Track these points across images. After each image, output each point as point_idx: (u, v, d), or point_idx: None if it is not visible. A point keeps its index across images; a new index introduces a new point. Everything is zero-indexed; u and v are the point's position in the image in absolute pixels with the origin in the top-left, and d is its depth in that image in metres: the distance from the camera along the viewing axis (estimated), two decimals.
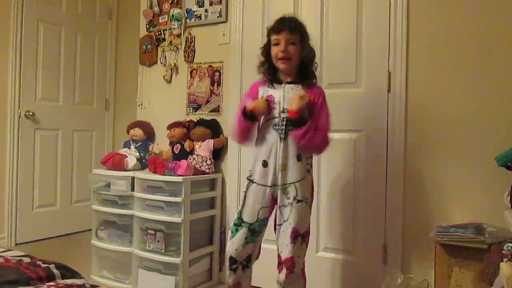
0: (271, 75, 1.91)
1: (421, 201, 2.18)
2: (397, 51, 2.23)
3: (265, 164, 1.83)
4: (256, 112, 1.83)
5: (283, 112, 1.82)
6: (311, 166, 1.88)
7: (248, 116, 1.83)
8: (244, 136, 1.92)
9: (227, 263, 1.91)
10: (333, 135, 2.35)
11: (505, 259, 1.57)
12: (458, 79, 2.11)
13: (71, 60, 3.83)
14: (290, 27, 1.81)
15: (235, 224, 1.89)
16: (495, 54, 2.04)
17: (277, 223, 1.85)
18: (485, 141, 2.03)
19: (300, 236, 1.81)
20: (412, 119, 2.21)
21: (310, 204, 1.87)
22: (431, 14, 2.18)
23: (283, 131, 1.81)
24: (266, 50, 1.90)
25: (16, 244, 3.37)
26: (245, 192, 1.89)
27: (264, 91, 1.90)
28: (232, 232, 1.89)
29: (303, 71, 1.88)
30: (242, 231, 1.85)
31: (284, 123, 1.81)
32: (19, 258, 1.39)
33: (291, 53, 1.81)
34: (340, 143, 2.37)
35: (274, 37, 1.84)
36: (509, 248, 1.58)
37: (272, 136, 1.83)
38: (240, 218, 1.88)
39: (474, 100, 2.08)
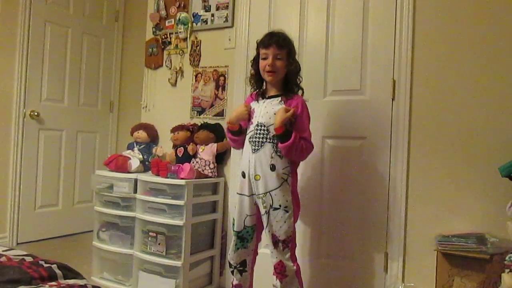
0: (259, 87, 2.03)
1: (424, 209, 2.18)
2: (402, 59, 2.23)
3: (243, 174, 1.95)
4: (238, 119, 1.98)
5: (257, 125, 1.91)
6: (290, 174, 1.90)
7: (235, 132, 2.00)
8: (239, 145, 2.06)
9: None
10: (336, 142, 2.40)
11: (507, 270, 1.57)
12: (463, 88, 2.12)
13: (77, 62, 3.86)
14: (278, 42, 1.91)
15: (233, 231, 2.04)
16: (501, 64, 2.04)
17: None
18: (489, 151, 2.03)
19: (281, 242, 1.88)
20: (416, 127, 2.21)
21: (292, 211, 1.89)
22: (437, 23, 2.19)
23: (256, 143, 1.89)
24: (255, 62, 2.00)
25: (18, 244, 3.38)
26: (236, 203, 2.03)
27: (252, 106, 2.02)
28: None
29: (288, 84, 1.97)
30: (234, 239, 2.00)
31: (259, 135, 1.90)
32: (22, 257, 1.39)
33: (278, 67, 1.91)
34: (344, 150, 2.38)
35: (262, 51, 1.94)
36: (511, 258, 1.58)
37: (248, 148, 1.94)
38: (233, 225, 2.02)
39: (478, 109, 2.08)
